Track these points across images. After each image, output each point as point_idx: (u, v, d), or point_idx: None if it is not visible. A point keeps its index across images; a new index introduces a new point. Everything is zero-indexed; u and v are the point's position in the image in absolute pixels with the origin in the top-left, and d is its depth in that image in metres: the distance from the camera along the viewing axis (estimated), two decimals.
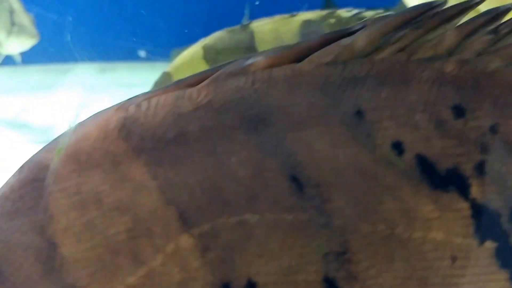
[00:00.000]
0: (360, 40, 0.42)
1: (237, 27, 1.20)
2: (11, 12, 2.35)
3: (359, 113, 0.41)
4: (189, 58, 1.20)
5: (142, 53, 1.87)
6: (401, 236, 0.41)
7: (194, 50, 1.21)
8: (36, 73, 2.72)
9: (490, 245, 0.42)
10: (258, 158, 0.40)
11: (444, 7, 0.43)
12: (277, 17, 1.18)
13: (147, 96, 0.42)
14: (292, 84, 0.41)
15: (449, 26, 0.43)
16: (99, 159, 0.41)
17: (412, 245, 0.41)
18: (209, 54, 1.17)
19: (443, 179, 0.41)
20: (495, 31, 0.43)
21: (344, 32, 0.42)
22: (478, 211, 0.41)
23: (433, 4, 0.43)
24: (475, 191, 0.41)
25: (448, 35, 0.43)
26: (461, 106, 0.42)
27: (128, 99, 0.43)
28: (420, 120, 0.41)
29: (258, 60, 0.42)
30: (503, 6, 0.44)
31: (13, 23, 2.34)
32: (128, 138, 0.41)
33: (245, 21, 1.87)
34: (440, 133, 0.41)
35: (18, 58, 2.51)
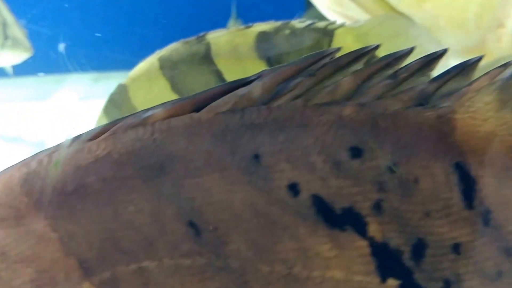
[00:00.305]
0: (256, 89, 0.43)
1: (193, 38, 1.19)
2: (4, 25, 2.32)
3: (256, 158, 0.42)
4: (146, 70, 1.20)
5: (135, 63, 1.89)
6: (299, 275, 0.42)
7: (150, 62, 1.20)
8: (28, 84, 2.74)
9: (393, 282, 0.43)
10: (156, 205, 0.42)
11: (340, 55, 0.44)
12: (233, 29, 1.19)
13: (49, 152, 0.44)
14: (191, 133, 0.43)
15: (345, 73, 0.44)
16: (3, 214, 0.42)
17: (311, 283, 0.42)
18: (165, 65, 1.17)
19: (339, 218, 0.42)
20: (393, 76, 0.44)
21: (241, 82, 0.44)
22: (378, 249, 0.43)
23: (327, 52, 0.44)
24: (373, 229, 0.42)
25: (345, 80, 0.44)
26: (358, 147, 0.43)
27: (32, 155, 0.45)
28: (316, 162, 0.42)
29: (157, 112, 0.43)
30: (401, 51, 0.45)
31: (6, 37, 2.31)
32: (30, 193, 0.42)
33: (231, 22, 1.85)
34: (336, 173, 0.42)
35: (10, 70, 2.53)
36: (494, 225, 0.44)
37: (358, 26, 1.08)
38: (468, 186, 0.44)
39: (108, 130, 0.43)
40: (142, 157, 0.42)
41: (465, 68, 0.45)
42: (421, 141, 0.43)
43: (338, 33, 1.08)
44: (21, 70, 2.45)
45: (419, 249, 0.43)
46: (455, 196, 0.43)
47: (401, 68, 0.45)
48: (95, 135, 0.43)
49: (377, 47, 0.46)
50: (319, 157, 0.42)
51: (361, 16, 1.06)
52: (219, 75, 1.12)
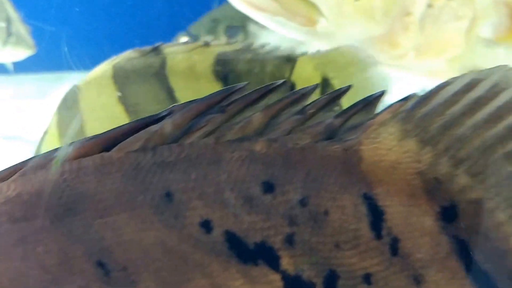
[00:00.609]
0: (167, 126, 0.44)
1: (149, 48, 1.17)
2: (8, 21, 2.33)
3: (168, 196, 0.43)
4: (99, 75, 1.18)
5: None
6: None
7: (105, 67, 1.18)
8: (29, 81, 2.72)
9: None
10: (64, 246, 0.42)
11: (248, 91, 0.46)
12: (192, 45, 1.17)
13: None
14: (102, 173, 0.43)
15: (255, 108, 0.45)
16: None
17: None
18: (117, 74, 1.16)
19: (252, 253, 0.43)
20: (301, 111, 0.46)
21: (152, 118, 0.45)
22: (291, 282, 0.44)
23: (235, 88, 0.46)
24: (285, 262, 0.44)
25: (255, 116, 0.45)
26: (270, 182, 0.44)
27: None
28: (229, 198, 0.44)
29: (67, 152, 0.44)
30: (308, 87, 0.47)
31: (10, 33, 2.32)
32: None
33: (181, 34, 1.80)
34: (248, 209, 0.44)
35: (10, 67, 2.54)
36: (402, 254, 0.45)
37: (320, 56, 1.10)
38: (376, 217, 0.45)
39: (19, 170, 0.44)
40: (52, 198, 0.43)
41: (369, 103, 0.47)
42: (330, 174, 0.45)
43: (300, 61, 1.10)
44: (21, 67, 2.44)
45: (331, 280, 0.44)
46: (364, 227, 0.45)
47: (309, 104, 0.46)
48: (6, 175, 0.44)
49: (284, 83, 0.47)
50: (232, 193, 0.43)
51: (271, 6, 1.06)
52: (170, 92, 1.12)
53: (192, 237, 0.43)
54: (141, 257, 0.42)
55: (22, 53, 2.35)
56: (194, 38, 1.63)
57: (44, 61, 2.33)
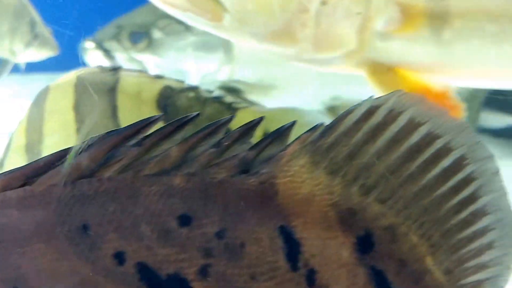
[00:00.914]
0: (84, 159, 0.45)
1: (110, 67, 1.26)
2: (33, 24, 2.35)
3: (84, 228, 0.45)
4: (65, 82, 1.23)
5: None
6: None
7: (71, 75, 1.24)
8: (40, 81, 2.79)
9: None
10: None
11: (165, 124, 0.47)
12: (145, 74, 1.26)
13: None
14: (24, 205, 0.45)
15: (172, 141, 0.47)
16: None
17: None
18: (79, 84, 1.21)
19: (163, 284, 0.45)
20: (217, 144, 0.47)
21: (70, 152, 0.46)
22: None
23: (149, 120, 0.47)
24: None
25: (172, 150, 0.46)
26: (187, 215, 0.45)
27: None
28: (144, 231, 0.45)
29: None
30: (223, 118, 0.48)
31: (35, 35, 2.34)
32: None
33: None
34: (163, 242, 0.45)
35: (22, 66, 2.58)
36: (319, 285, 0.46)
37: (262, 111, 1.16)
38: (293, 249, 0.46)
39: None
40: None
41: (280, 134, 0.49)
42: (247, 207, 0.46)
43: (241, 111, 1.15)
44: (31, 67, 2.42)
45: None
46: (280, 258, 0.46)
47: (224, 137, 0.47)
48: None
49: (198, 115, 0.48)
50: (148, 226, 0.45)
51: (181, 2, 1.07)
52: (114, 110, 1.17)
53: (105, 268, 0.44)
54: (54, 286, 0.44)
55: (45, 54, 2.38)
56: (99, 44, 1.70)
57: (53, 60, 2.36)
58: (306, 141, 0.48)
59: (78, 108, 1.19)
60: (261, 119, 0.49)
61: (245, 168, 0.47)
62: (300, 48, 1.05)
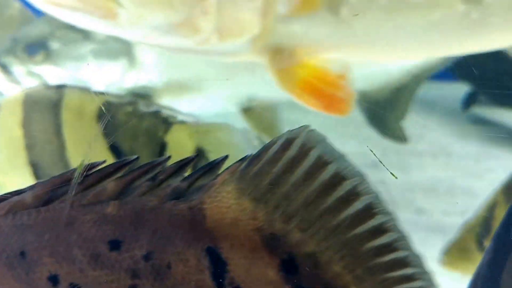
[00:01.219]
0: (28, 196, 0.50)
1: (55, 85, 1.27)
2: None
3: (22, 254, 0.49)
4: (14, 99, 1.26)
5: None
6: None
7: (21, 93, 1.27)
8: None
9: None
10: None
11: (104, 165, 0.52)
12: (87, 90, 1.27)
13: None
14: None
15: (110, 180, 0.51)
16: None
17: None
18: (26, 101, 1.23)
19: None
20: (153, 178, 0.51)
21: (16, 192, 0.51)
22: None
23: (95, 164, 0.51)
24: None
25: (110, 184, 0.50)
26: (117, 240, 0.49)
27: None
28: (76, 255, 0.49)
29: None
30: (159, 159, 0.52)
31: None
32: None
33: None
34: (94, 264, 0.49)
35: None
36: None
37: (196, 126, 1.18)
38: (219, 268, 0.49)
39: None
40: None
41: (213, 167, 0.52)
42: (176, 231, 0.49)
43: (176, 126, 1.17)
44: None
45: None
46: (206, 277, 0.49)
47: (159, 171, 0.51)
48: None
49: (136, 158, 0.52)
50: (80, 251, 0.49)
51: (69, 1, 1.04)
52: (59, 126, 1.20)
53: None
54: None
55: None
56: None
57: None
58: (235, 170, 0.51)
59: (26, 125, 1.21)
60: (195, 156, 0.53)
61: (177, 196, 0.51)
62: (204, 38, 1.04)
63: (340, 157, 0.52)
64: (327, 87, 1.08)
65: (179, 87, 1.65)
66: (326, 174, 0.51)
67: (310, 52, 1.10)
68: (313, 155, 0.51)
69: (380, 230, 0.51)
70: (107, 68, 1.64)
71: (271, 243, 0.50)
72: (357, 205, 0.51)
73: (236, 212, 0.50)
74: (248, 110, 1.75)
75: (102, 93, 1.28)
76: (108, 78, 1.63)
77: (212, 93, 1.73)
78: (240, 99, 1.74)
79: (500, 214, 1.21)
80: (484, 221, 1.26)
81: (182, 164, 0.52)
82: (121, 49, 1.63)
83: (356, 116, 2.71)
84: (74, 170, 0.51)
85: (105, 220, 0.50)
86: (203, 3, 1.02)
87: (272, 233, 0.50)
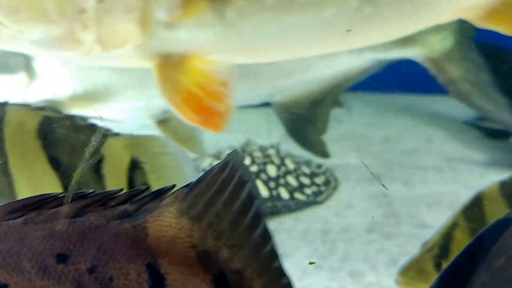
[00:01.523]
0: None
1: (3, 102, 1.27)
2: None
3: None
4: None
5: None
6: None
7: None
8: None
9: None
10: None
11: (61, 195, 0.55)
12: (28, 106, 1.27)
13: None
14: None
15: (65, 205, 0.54)
16: None
17: None
18: None
19: None
20: (104, 204, 0.55)
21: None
22: None
23: (48, 196, 0.55)
24: None
25: (64, 208, 0.54)
26: (65, 253, 0.52)
27: None
28: (26, 267, 0.51)
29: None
30: (112, 190, 0.56)
31: None
32: None
33: None
34: (41, 276, 0.51)
35: None
36: None
37: (130, 138, 1.21)
38: (157, 282, 0.53)
39: None
40: None
41: (160, 194, 0.56)
42: (119, 247, 0.53)
43: (110, 138, 1.20)
44: None
45: None
46: None
47: (111, 199, 0.55)
48: None
49: (92, 192, 0.56)
50: (29, 263, 0.52)
51: None
52: (2, 142, 1.21)
53: None
54: None
55: None
56: None
57: None
58: (179, 195, 0.55)
59: None
60: (145, 188, 0.57)
61: (124, 217, 0.54)
62: (86, 49, 1.04)
63: (252, 176, 0.57)
64: (208, 98, 1.09)
65: (86, 99, 1.64)
66: (244, 192, 0.56)
67: (198, 57, 1.10)
68: (237, 175, 0.56)
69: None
70: (4, 83, 1.61)
71: (205, 260, 0.54)
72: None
73: (175, 230, 0.54)
74: (164, 122, 1.73)
75: (42, 108, 1.28)
76: (8, 92, 1.60)
77: (123, 105, 1.72)
78: (154, 111, 1.72)
79: (459, 236, 1.21)
80: (443, 242, 1.25)
81: (132, 195, 0.56)
82: (19, 62, 1.60)
83: (357, 129, 2.72)
84: (32, 197, 0.54)
85: (54, 236, 0.53)
86: (81, 16, 1.02)
87: (205, 250, 0.54)
